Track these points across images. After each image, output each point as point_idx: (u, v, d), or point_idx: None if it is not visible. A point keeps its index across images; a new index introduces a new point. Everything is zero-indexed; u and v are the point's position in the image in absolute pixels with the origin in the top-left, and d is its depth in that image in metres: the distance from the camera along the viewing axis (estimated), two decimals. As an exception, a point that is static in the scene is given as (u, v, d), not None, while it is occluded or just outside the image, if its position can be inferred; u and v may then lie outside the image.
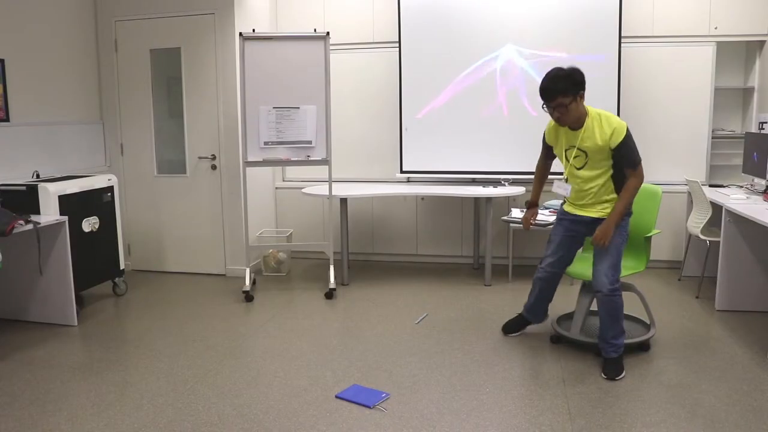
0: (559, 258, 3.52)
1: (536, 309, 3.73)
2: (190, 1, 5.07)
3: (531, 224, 3.63)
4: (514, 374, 3.27)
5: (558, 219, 3.56)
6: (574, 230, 3.47)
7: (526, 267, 5.42)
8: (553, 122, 3.34)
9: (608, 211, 3.29)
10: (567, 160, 3.35)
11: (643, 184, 3.71)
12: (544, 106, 3.17)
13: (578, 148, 3.25)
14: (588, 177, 3.29)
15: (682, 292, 4.67)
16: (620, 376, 3.18)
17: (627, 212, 3.30)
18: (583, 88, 3.15)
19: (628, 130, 3.16)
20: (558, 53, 5.10)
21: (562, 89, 3.09)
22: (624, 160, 3.18)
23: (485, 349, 3.59)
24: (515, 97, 5.21)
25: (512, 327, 3.83)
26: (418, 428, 2.73)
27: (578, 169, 3.31)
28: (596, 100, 5.04)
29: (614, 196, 3.29)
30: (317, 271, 5.47)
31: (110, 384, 3.20)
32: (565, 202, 3.54)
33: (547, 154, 3.59)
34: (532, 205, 3.69)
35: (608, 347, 3.26)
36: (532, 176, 5.40)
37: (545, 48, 5.11)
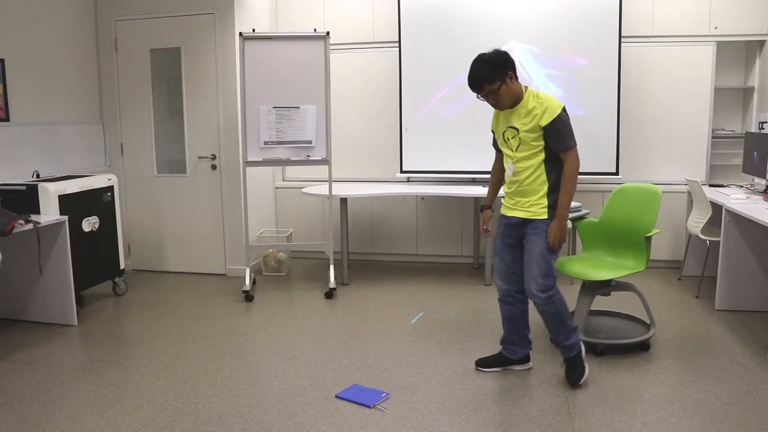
0: (507, 276, 3.19)
1: (509, 338, 3.31)
2: (190, 1, 5.07)
3: (486, 230, 3.32)
4: (513, 374, 3.26)
5: (499, 221, 3.25)
6: (510, 237, 3.14)
7: (526, 267, 5.41)
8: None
9: (536, 210, 3.01)
10: (506, 143, 3.10)
11: (643, 184, 3.73)
12: (478, 96, 3.00)
13: (511, 127, 3.02)
14: (520, 159, 3.01)
15: (682, 292, 4.68)
16: (582, 380, 3.08)
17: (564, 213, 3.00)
18: (511, 68, 2.94)
19: (564, 111, 2.94)
20: (558, 53, 5.10)
21: (488, 76, 2.91)
22: (555, 142, 2.93)
23: (485, 349, 3.59)
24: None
25: (488, 362, 3.36)
26: (418, 428, 2.73)
27: (514, 151, 3.04)
28: (596, 100, 5.10)
29: (544, 195, 3.00)
30: (317, 271, 5.47)
31: (110, 384, 3.20)
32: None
33: (498, 150, 3.28)
34: (484, 209, 3.35)
35: (564, 349, 3.12)
36: None
37: (545, 48, 5.11)
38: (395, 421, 2.79)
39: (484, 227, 3.33)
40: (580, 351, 3.14)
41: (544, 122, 2.91)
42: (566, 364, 3.14)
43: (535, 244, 3.00)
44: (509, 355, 3.31)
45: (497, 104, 3.01)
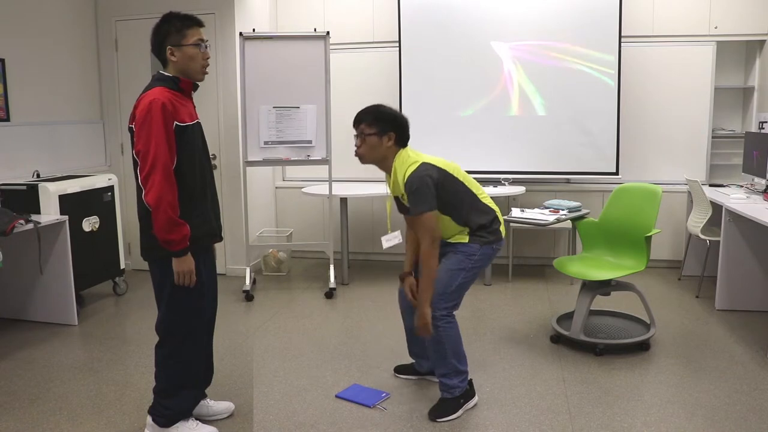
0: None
1: (414, 350, 3.18)
2: (190, 1, 5.06)
3: (412, 298, 2.93)
4: (514, 374, 3.27)
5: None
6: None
7: (526, 267, 5.42)
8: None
9: (458, 236, 2.83)
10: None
11: (643, 184, 3.73)
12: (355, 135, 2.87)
13: (395, 196, 2.88)
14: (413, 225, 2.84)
15: (682, 292, 4.67)
16: (444, 419, 2.77)
17: (467, 253, 2.81)
18: (399, 132, 2.78)
19: (420, 170, 2.68)
20: (558, 52, 5.10)
21: (369, 119, 2.79)
22: (410, 208, 2.72)
23: (485, 349, 3.59)
24: (515, 96, 5.21)
25: (404, 369, 3.27)
26: (418, 428, 2.73)
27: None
28: (596, 100, 5.10)
29: (463, 231, 2.83)
30: (317, 271, 5.47)
31: (110, 384, 3.20)
32: None
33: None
34: (406, 276, 3.02)
35: (440, 385, 2.86)
36: (532, 176, 5.49)
37: (545, 47, 5.11)
38: (395, 421, 2.79)
39: (411, 295, 2.93)
40: (461, 398, 2.84)
41: (403, 184, 2.71)
42: (440, 399, 2.86)
43: (447, 259, 2.82)
44: (418, 368, 3.19)
45: (358, 150, 2.83)
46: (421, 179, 2.68)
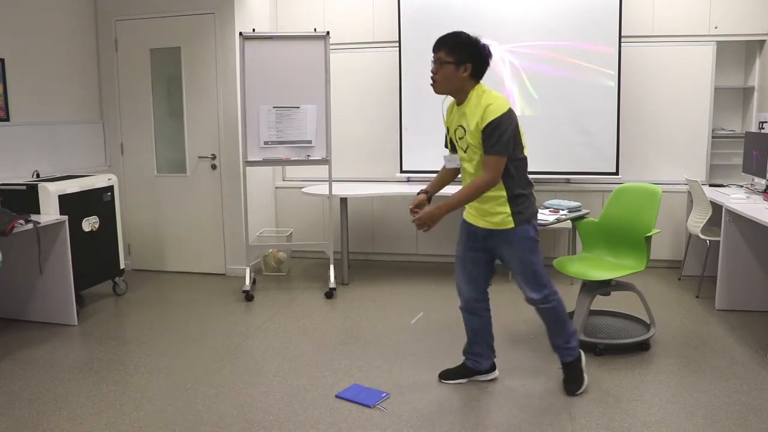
0: (469, 284, 3.05)
1: (474, 349, 3.18)
2: (190, 1, 5.07)
3: (413, 211, 2.90)
4: (514, 374, 3.26)
5: (460, 224, 3.08)
6: (474, 245, 2.99)
7: (526, 267, 5.41)
8: (452, 100, 2.95)
9: (500, 220, 2.83)
10: (457, 142, 2.91)
11: (643, 184, 3.73)
12: (432, 61, 2.81)
13: (460, 125, 2.84)
14: (468, 161, 2.85)
15: (682, 292, 4.67)
16: (581, 390, 3.00)
17: (525, 219, 2.84)
18: (473, 62, 2.75)
19: (508, 114, 2.70)
20: (558, 52, 5.10)
21: (449, 46, 2.74)
22: (486, 144, 2.70)
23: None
24: (515, 96, 5.21)
25: (453, 374, 3.21)
26: (418, 428, 2.73)
27: (464, 152, 2.86)
28: (596, 100, 5.10)
29: (504, 201, 2.82)
30: (317, 271, 5.47)
31: (110, 384, 3.20)
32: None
33: (451, 148, 3.05)
34: (421, 192, 3.02)
35: (562, 352, 3.05)
36: (532, 176, 5.38)
37: (545, 47, 5.11)
38: (395, 421, 2.79)
39: (413, 207, 2.90)
40: (579, 358, 3.06)
41: (483, 123, 2.70)
42: (564, 370, 3.07)
43: (512, 256, 2.89)
44: (474, 366, 3.17)
45: (433, 77, 2.80)
46: (509, 124, 2.70)
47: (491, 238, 2.90)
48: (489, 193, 2.80)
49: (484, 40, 2.86)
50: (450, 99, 2.94)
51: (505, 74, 5.20)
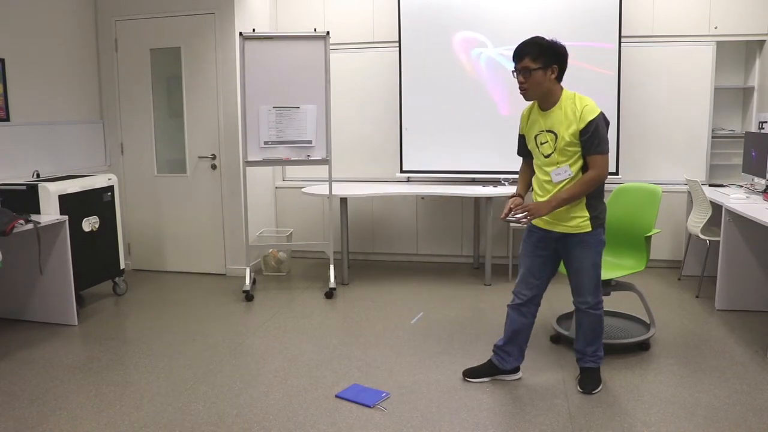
0: (530, 286, 3.08)
1: (507, 348, 3.18)
2: (190, 1, 5.07)
3: (509, 214, 2.96)
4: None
5: (527, 233, 3.14)
6: (544, 249, 3.04)
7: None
8: (527, 107, 3.04)
9: (578, 223, 2.90)
10: (537, 148, 2.96)
11: (643, 184, 3.73)
12: (514, 71, 2.86)
13: (547, 130, 2.88)
14: (549, 165, 2.90)
15: (682, 292, 4.67)
16: (597, 390, 3.04)
17: (597, 222, 2.91)
18: (558, 64, 2.81)
19: (602, 114, 2.81)
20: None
21: (534, 53, 2.78)
22: (589, 145, 2.78)
23: (485, 349, 3.58)
24: (515, 97, 5.18)
25: (477, 373, 3.23)
26: (418, 428, 2.73)
27: (546, 157, 2.91)
28: (596, 100, 5.06)
29: (582, 205, 2.90)
30: (317, 271, 5.47)
31: (110, 384, 3.20)
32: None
33: (526, 155, 3.13)
34: (515, 196, 3.08)
35: (590, 359, 3.11)
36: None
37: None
38: (395, 421, 2.79)
39: (511, 208, 2.94)
40: (600, 367, 3.15)
41: (583, 123, 2.77)
42: (585, 372, 3.12)
43: (585, 258, 2.95)
44: (500, 364, 3.18)
45: (524, 86, 2.84)
46: (603, 124, 2.81)
47: (565, 240, 2.97)
48: (575, 220, 2.92)
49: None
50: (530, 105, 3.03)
51: (505, 74, 5.20)
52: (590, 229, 2.91)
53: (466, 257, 5.65)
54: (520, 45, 2.84)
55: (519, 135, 3.12)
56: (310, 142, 4.73)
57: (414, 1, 5.28)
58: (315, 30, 4.73)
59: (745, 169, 4.89)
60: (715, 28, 5.10)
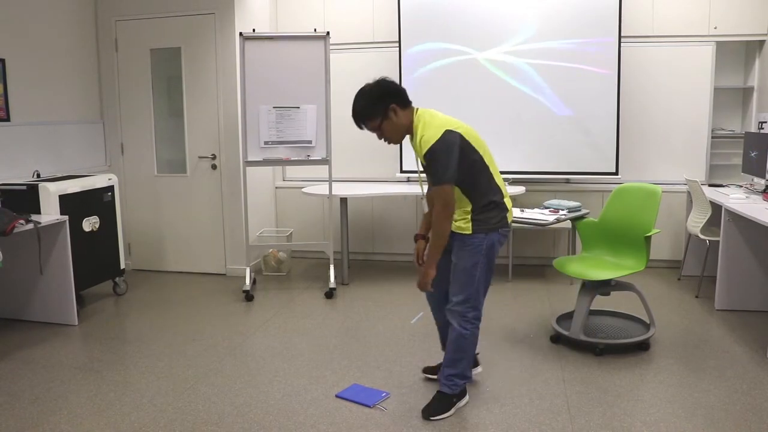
0: (434, 287, 2.86)
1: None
2: (190, 1, 5.07)
3: (420, 263, 2.94)
4: (514, 374, 3.27)
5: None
6: (446, 252, 2.82)
7: (526, 266, 5.42)
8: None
9: (461, 224, 2.77)
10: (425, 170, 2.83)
11: (642, 184, 3.73)
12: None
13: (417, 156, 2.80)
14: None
15: (681, 292, 4.68)
16: (439, 417, 2.79)
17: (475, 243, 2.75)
18: (394, 99, 2.72)
19: (442, 140, 2.61)
20: (558, 52, 5.10)
21: (367, 112, 2.73)
22: (429, 176, 2.69)
23: (485, 349, 3.59)
24: (515, 97, 5.21)
25: (434, 370, 3.19)
26: (418, 428, 2.73)
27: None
28: (596, 100, 5.10)
29: (467, 211, 2.76)
30: (317, 271, 5.47)
31: (110, 384, 3.20)
32: None
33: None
34: (418, 238, 3.03)
35: (443, 382, 2.87)
36: (532, 176, 5.50)
37: (545, 47, 5.11)
38: (395, 421, 2.79)
39: (417, 260, 2.96)
40: (457, 397, 2.88)
41: (422, 157, 2.68)
42: (436, 395, 2.89)
43: (460, 259, 2.79)
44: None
45: (387, 140, 2.81)
46: (444, 149, 2.62)
47: (452, 237, 2.80)
48: (456, 223, 2.78)
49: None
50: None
51: (504, 74, 5.20)
52: (470, 232, 2.76)
53: (466, 257, 5.64)
54: (353, 110, 2.78)
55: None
56: (310, 142, 4.73)
57: (414, 1, 5.28)
58: (315, 30, 4.74)
59: (744, 169, 4.89)
60: (715, 28, 5.10)
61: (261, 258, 5.45)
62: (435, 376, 3.15)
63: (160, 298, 4.74)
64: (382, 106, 2.72)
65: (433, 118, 2.73)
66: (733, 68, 5.33)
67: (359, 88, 2.83)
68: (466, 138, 2.72)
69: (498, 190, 2.82)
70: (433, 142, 2.62)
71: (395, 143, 2.86)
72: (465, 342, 2.83)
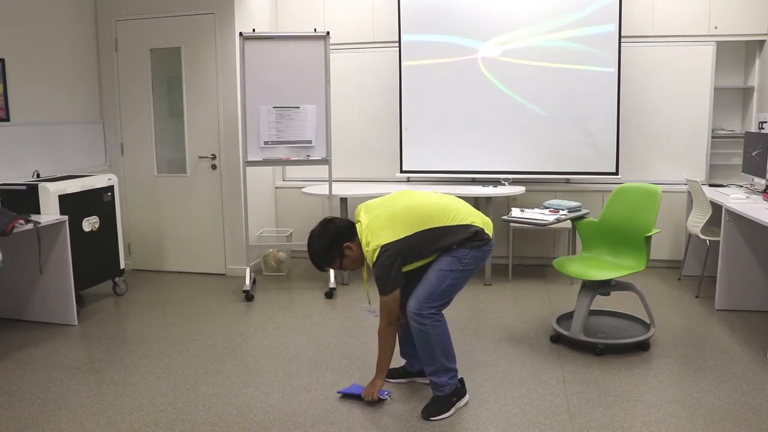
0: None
1: (407, 350, 3.15)
2: (190, 1, 5.07)
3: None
4: (514, 374, 3.27)
5: None
6: None
7: (526, 267, 5.42)
8: None
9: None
10: None
11: (642, 184, 3.73)
12: None
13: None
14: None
15: (681, 292, 4.68)
16: (438, 417, 2.79)
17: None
18: (345, 238, 2.81)
19: (384, 253, 2.69)
20: (558, 52, 5.10)
21: (325, 260, 2.85)
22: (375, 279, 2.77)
23: (485, 349, 3.59)
24: (515, 97, 5.21)
25: (393, 374, 3.19)
26: (418, 428, 2.73)
27: None
28: (596, 100, 5.10)
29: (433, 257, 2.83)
30: (317, 271, 5.44)
31: (110, 384, 3.20)
32: None
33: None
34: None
35: (432, 385, 2.87)
36: (532, 176, 5.49)
37: (546, 47, 5.11)
38: (395, 421, 2.79)
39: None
40: (453, 396, 2.87)
41: (371, 262, 2.76)
42: (432, 398, 2.89)
43: (438, 261, 2.81)
44: (409, 369, 3.17)
45: (351, 270, 2.98)
46: (384, 266, 2.71)
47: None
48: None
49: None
50: None
51: (504, 74, 5.20)
52: (456, 247, 2.81)
53: (466, 257, 5.64)
54: (312, 262, 2.89)
55: None
56: (310, 142, 4.73)
57: (414, 1, 5.28)
58: (315, 30, 4.73)
59: (744, 169, 4.89)
60: (715, 28, 5.10)
61: (261, 258, 5.45)
62: (400, 380, 3.18)
63: (160, 298, 4.74)
64: (337, 251, 2.84)
65: (366, 239, 2.76)
66: (734, 68, 5.33)
67: (308, 236, 2.88)
68: (403, 235, 2.73)
69: (464, 227, 2.81)
70: (375, 258, 2.72)
71: (358, 268, 2.95)
72: (428, 337, 2.79)
